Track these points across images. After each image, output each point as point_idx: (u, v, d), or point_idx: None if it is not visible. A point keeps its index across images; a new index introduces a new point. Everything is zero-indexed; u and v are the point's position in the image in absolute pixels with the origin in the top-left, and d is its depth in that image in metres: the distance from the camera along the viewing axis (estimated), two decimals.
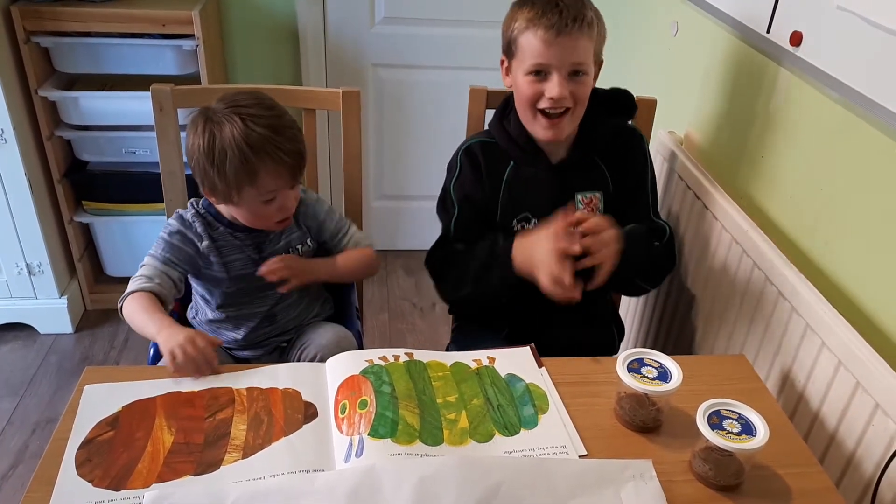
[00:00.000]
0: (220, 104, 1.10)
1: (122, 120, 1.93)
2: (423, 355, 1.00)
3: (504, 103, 1.27)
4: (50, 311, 2.06)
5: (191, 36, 1.83)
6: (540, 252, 1.08)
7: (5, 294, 2.01)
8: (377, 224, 2.52)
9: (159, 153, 1.31)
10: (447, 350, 1.32)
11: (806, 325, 1.06)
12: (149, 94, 1.27)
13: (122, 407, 0.90)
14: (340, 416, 0.89)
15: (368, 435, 0.85)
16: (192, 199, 1.22)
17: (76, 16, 1.78)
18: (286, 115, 1.13)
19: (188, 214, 1.19)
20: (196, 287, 1.25)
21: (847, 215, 1.08)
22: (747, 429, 0.83)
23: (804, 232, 1.18)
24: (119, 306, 1.11)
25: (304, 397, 0.93)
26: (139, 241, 2.12)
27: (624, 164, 1.26)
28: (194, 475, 0.81)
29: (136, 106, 1.88)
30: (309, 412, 0.91)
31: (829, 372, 1.01)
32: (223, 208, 1.17)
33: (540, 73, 1.13)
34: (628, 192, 1.26)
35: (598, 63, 1.19)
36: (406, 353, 1.00)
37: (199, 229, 1.17)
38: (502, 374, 0.99)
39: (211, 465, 0.82)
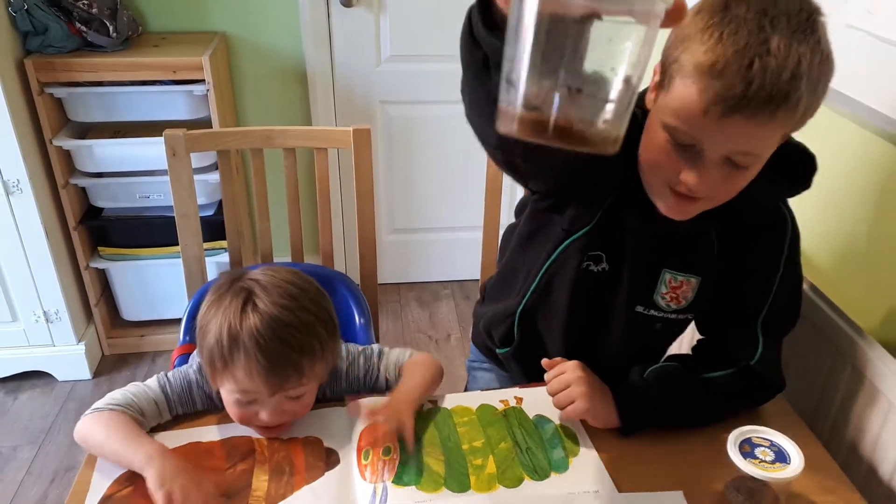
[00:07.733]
0: (252, 277, 0.90)
1: (135, 166, 1.94)
2: (447, 401, 0.98)
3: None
4: (68, 358, 2.06)
5: (201, 81, 1.85)
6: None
7: (23, 342, 2.02)
8: (390, 257, 2.50)
9: (173, 197, 1.31)
10: (467, 382, 1.29)
11: (836, 349, 1.04)
12: (161, 139, 1.28)
13: None
14: (363, 462, 0.87)
15: (393, 482, 0.83)
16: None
17: (88, 66, 1.81)
18: (302, 311, 0.88)
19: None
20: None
21: (856, 231, 1.06)
22: (781, 456, 0.80)
23: (815, 245, 1.16)
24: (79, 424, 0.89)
25: (326, 444, 0.91)
26: (154, 284, 2.13)
27: (747, 252, 0.92)
28: None
29: (149, 151, 1.89)
30: (331, 459, 0.89)
31: (863, 398, 0.99)
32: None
33: (686, 148, 0.77)
34: (737, 288, 0.94)
35: (784, 138, 0.79)
36: (429, 401, 0.98)
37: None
38: (530, 415, 0.96)
39: None
